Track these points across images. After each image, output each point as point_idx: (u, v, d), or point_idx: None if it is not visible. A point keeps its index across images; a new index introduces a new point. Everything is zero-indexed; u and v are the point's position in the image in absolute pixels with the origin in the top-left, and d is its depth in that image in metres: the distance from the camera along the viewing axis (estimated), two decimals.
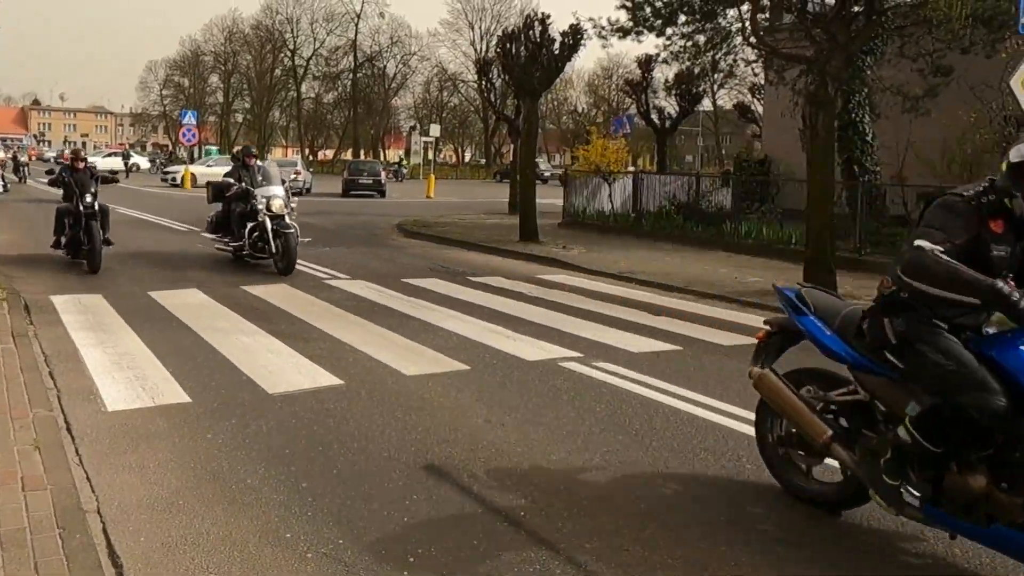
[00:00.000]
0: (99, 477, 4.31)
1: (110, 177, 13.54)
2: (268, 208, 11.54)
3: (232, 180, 12.18)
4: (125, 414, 5.33)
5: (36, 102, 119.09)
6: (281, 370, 6.44)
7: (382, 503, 4.10)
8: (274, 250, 11.49)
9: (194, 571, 3.42)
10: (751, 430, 5.23)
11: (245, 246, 11.79)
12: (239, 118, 78.67)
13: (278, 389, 5.92)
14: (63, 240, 11.61)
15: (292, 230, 11.56)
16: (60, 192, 11.88)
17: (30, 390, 5.47)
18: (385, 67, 72.30)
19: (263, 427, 5.15)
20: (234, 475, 4.41)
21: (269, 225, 11.46)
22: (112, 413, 5.34)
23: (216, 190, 12.76)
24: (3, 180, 26.78)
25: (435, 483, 4.37)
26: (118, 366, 6.41)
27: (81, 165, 11.78)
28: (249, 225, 11.66)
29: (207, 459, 4.62)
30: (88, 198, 11.19)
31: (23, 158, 36.69)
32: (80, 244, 11.33)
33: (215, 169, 38.15)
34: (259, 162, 12.68)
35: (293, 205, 12.21)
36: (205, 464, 4.55)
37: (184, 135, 36.48)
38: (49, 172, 12.76)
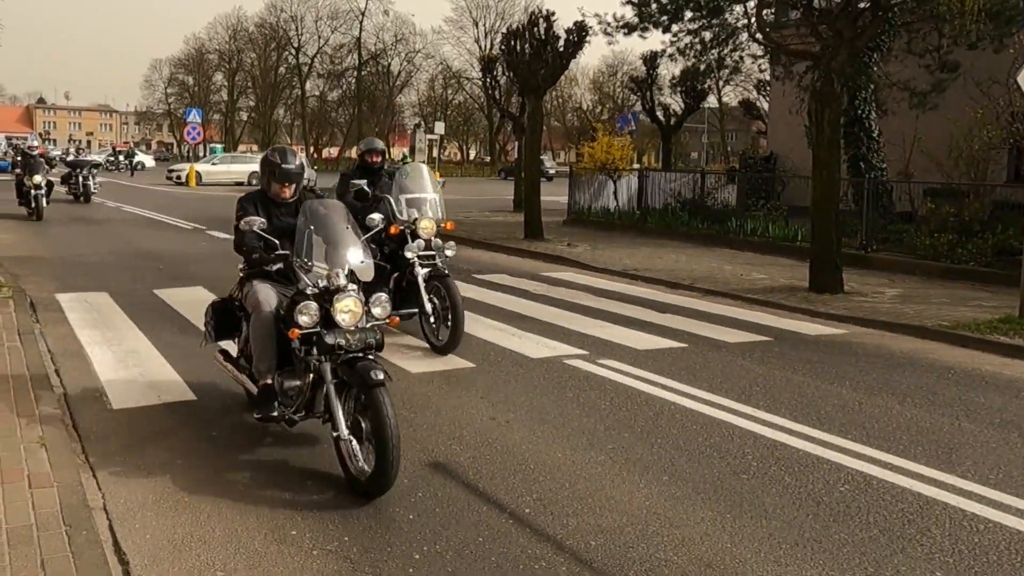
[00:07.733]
0: (105, 475, 4.32)
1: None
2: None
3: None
4: (131, 412, 5.34)
5: (41, 101, 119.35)
6: None
7: (387, 501, 4.10)
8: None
9: (200, 568, 3.43)
10: (757, 427, 5.25)
11: None
12: (243, 116, 78.81)
13: None
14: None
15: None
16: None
17: (36, 388, 5.48)
18: (389, 64, 72.35)
19: (268, 425, 5.15)
20: (239, 473, 4.42)
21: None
22: (118, 411, 5.36)
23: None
24: None
25: (440, 481, 4.37)
26: (124, 364, 6.43)
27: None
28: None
29: (212, 457, 4.63)
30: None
31: None
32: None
33: (220, 167, 38.34)
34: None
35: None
36: (211, 462, 4.56)
37: (188, 133, 36.53)
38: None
